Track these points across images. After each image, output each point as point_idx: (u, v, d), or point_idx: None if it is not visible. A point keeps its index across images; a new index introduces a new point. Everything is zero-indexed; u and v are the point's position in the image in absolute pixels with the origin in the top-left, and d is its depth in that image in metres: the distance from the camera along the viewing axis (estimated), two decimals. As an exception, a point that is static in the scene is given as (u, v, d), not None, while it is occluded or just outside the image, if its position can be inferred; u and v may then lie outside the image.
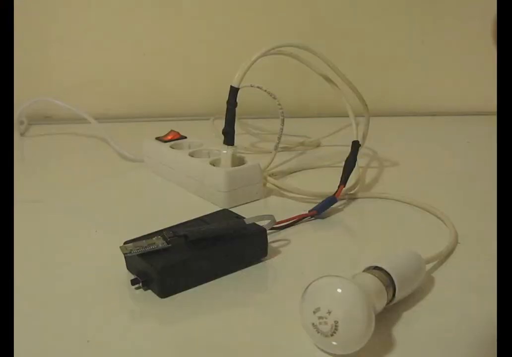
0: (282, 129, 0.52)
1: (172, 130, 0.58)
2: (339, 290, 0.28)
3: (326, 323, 0.27)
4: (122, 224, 0.45)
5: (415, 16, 0.82)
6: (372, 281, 0.31)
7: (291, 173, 0.58)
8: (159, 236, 0.36)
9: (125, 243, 0.36)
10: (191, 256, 0.35)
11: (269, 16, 0.81)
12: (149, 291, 0.35)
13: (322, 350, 0.29)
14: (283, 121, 0.52)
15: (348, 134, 0.52)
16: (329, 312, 0.27)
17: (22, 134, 0.74)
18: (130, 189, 0.54)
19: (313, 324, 0.28)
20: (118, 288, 0.35)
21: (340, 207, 0.48)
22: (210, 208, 0.45)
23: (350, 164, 0.49)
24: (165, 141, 0.56)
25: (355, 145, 0.50)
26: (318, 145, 0.68)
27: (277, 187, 0.51)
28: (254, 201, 0.50)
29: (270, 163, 0.54)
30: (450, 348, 0.29)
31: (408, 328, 0.31)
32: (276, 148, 0.53)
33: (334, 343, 0.28)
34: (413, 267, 0.34)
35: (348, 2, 0.81)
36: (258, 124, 0.71)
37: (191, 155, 0.53)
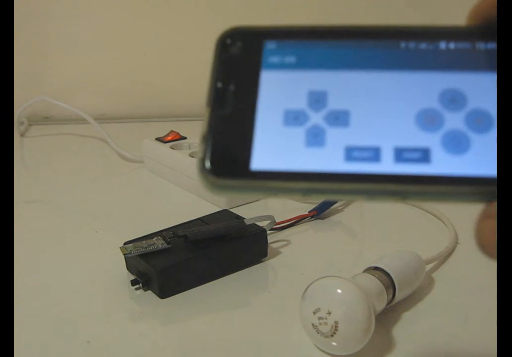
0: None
1: (172, 131, 0.58)
2: (339, 291, 0.28)
3: (326, 323, 0.27)
4: (122, 225, 0.45)
5: (415, 17, 0.82)
6: (372, 282, 0.31)
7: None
8: (159, 237, 0.36)
9: (125, 243, 0.36)
10: (191, 257, 0.35)
11: (270, 16, 0.81)
12: (149, 291, 0.35)
13: (322, 350, 0.29)
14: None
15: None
16: (329, 313, 0.27)
17: (22, 135, 0.74)
18: (130, 189, 0.54)
19: (313, 324, 0.28)
20: (118, 288, 0.35)
21: (340, 208, 0.48)
22: (210, 208, 0.45)
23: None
24: (165, 142, 0.56)
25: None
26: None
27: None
28: (254, 201, 0.50)
29: (270, 164, 0.54)
30: (450, 348, 0.29)
31: (408, 328, 0.31)
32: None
33: (334, 343, 0.28)
34: (413, 268, 0.34)
35: (348, 2, 0.81)
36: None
37: (191, 155, 0.53)
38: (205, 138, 0.17)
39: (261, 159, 0.17)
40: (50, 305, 0.34)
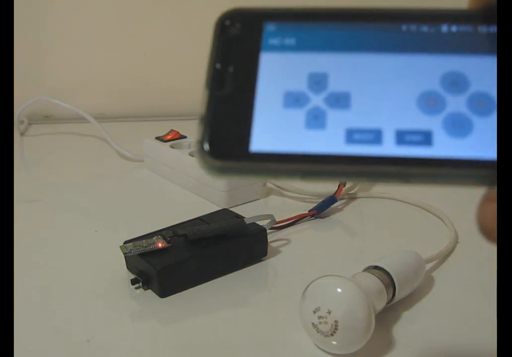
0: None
1: (172, 130, 0.58)
2: (339, 290, 0.28)
3: (326, 322, 0.27)
4: (122, 224, 0.45)
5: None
6: (372, 281, 0.31)
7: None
8: (159, 236, 0.36)
9: (125, 242, 0.36)
10: (191, 256, 0.35)
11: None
12: (149, 290, 0.35)
13: (322, 349, 0.29)
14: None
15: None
16: (329, 312, 0.27)
17: (22, 134, 0.74)
18: (130, 189, 0.54)
19: (313, 323, 0.28)
20: (118, 288, 0.35)
21: (340, 207, 0.48)
22: (210, 207, 0.45)
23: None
24: (165, 141, 0.56)
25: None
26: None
27: (277, 186, 0.51)
28: (254, 200, 0.50)
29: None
30: (449, 347, 0.29)
31: (408, 328, 0.31)
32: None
33: (334, 342, 0.28)
34: (413, 267, 0.34)
35: (348, 3, 0.81)
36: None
37: (191, 154, 0.53)
38: (203, 120, 0.17)
39: (261, 141, 0.17)
40: (50, 304, 0.34)
